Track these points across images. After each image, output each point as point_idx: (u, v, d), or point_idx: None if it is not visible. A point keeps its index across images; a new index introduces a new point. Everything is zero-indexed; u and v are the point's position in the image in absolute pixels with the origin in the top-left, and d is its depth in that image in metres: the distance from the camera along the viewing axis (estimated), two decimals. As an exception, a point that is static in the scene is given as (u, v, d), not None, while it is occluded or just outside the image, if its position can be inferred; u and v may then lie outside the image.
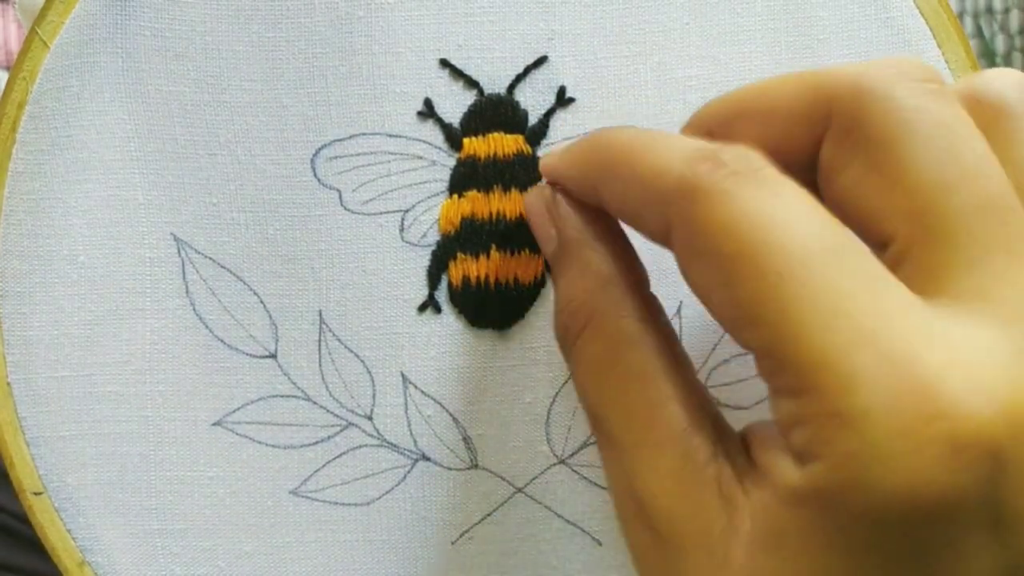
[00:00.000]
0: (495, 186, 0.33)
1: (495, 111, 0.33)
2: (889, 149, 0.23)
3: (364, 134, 0.33)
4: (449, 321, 0.34)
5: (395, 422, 0.34)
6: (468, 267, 0.34)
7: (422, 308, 0.34)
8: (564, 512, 0.35)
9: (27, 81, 0.32)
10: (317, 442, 0.34)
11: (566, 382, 0.34)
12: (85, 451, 0.34)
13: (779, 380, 0.22)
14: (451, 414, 0.34)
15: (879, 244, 0.24)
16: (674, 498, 0.24)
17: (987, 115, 0.24)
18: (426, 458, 0.34)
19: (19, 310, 0.33)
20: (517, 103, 0.33)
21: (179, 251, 0.33)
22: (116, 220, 0.33)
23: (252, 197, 0.33)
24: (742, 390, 0.34)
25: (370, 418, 0.34)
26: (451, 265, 0.34)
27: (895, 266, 0.23)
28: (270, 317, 0.34)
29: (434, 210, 0.33)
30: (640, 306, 0.27)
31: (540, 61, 0.33)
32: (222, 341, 0.34)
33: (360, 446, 0.34)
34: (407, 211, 0.33)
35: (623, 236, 0.29)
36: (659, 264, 0.32)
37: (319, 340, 0.34)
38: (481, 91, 0.33)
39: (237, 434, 0.34)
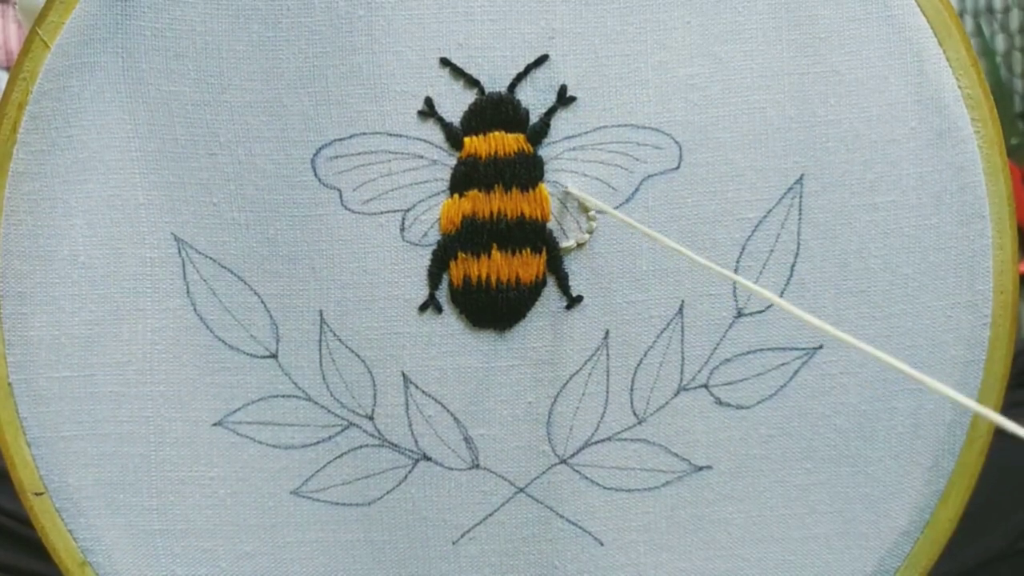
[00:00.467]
0: (496, 185, 0.33)
1: (496, 110, 0.33)
2: None
3: (364, 133, 0.33)
4: (450, 321, 0.34)
5: (396, 422, 0.34)
6: (469, 267, 0.33)
7: (423, 308, 0.34)
8: (565, 512, 0.35)
9: (28, 81, 0.32)
10: (318, 442, 0.34)
11: (567, 382, 0.34)
12: (86, 451, 0.34)
13: None
14: (452, 414, 0.34)
15: None
16: None
17: None
18: (427, 458, 0.34)
19: (20, 310, 0.33)
20: (518, 102, 0.33)
21: (180, 251, 0.33)
22: (117, 220, 0.33)
23: (252, 197, 0.33)
24: (744, 389, 0.34)
25: (371, 418, 0.34)
26: (452, 265, 0.33)
27: None
28: (271, 317, 0.34)
29: (435, 209, 0.33)
30: None
31: (541, 60, 0.33)
32: (223, 341, 0.34)
33: (361, 446, 0.34)
34: (408, 210, 0.33)
35: None
36: (659, 264, 0.32)
37: (320, 340, 0.34)
38: (482, 90, 0.33)
39: (238, 434, 0.34)
